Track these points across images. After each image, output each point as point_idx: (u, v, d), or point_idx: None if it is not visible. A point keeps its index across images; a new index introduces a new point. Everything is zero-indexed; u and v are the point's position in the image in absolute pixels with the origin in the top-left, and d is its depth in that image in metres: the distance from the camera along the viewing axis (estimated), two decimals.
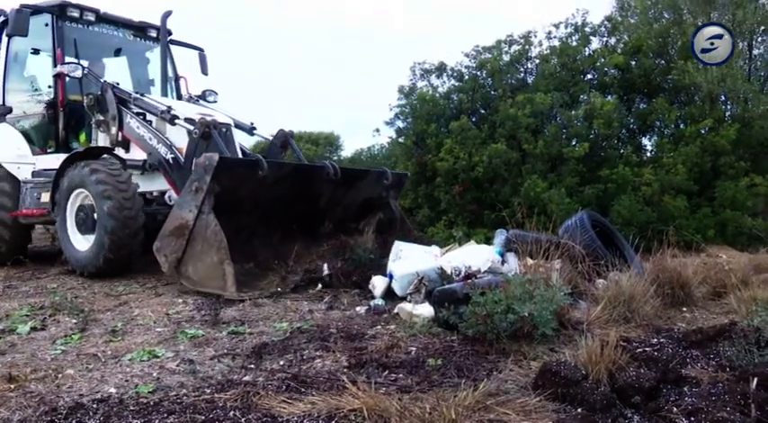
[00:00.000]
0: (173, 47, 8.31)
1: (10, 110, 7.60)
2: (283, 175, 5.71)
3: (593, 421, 2.32)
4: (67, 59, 7.13)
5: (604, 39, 15.21)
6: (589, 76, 14.76)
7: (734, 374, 2.89)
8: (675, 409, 2.57)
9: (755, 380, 2.63)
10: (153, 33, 8.07)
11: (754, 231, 10.13)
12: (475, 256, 5.12)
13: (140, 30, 8.05)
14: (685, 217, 12.13)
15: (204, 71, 8.60)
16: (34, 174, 7.32)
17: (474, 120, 14.80)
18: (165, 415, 2.59)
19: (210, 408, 2.64)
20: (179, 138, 6.33)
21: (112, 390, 2.97)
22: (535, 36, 15.19)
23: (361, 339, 3.83)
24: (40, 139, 7.48)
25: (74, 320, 4.44)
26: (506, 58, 15.14)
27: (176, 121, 6.28)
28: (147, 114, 6.66)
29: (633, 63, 14.27)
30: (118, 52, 8.12)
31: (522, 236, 5.40)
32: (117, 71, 7.98)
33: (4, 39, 7.59)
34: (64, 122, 7.21)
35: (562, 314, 3.84)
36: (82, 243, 6.30)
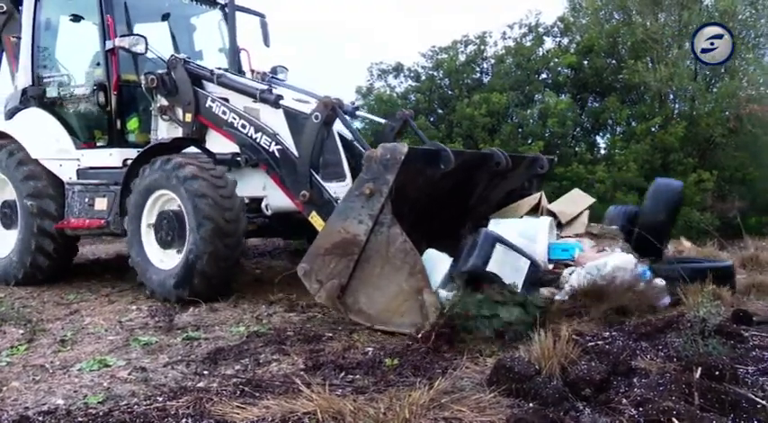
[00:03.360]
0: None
1: (43, 92, 6.25)
2: (454, 169, 4.51)
3: (544, 415, 2.35)
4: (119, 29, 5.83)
5: (557, 39, 15.53)
6: (543, 76, 15.04)
7: (680, 365, 2.98)
8: (625, 400, 2.63)
9: (699, 369, 2.72)
10: None
11: (702, 226, 10.46)
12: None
13: None
14: None
15: (266, 42, 7.06)
16: (80, 173, 6.00)
17: (432, 119, 14.92)
18: None
19: (162, 416, 2.59)
20: (275, 125, 5.18)
21: (60, 401, 2.88)
22: (490, 36, 15.42)
23: (318, 341, 3.82)
24: (84, 129, 6.13)
25: (21, 331, 4.29)
26: (462, 58, 15.30)
27: (281, 103, 5.14)
28: (232, 97, 5.45)
29: (585, 63, 14.61)
30: (166, 17, 6.74)
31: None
32: (154, 40, 6.28)
33: (29, 2, 6.24)
34: (117, 109, 5.84)
35: None
36: (164, 260, 5.11)
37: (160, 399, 2.82)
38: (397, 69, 15.88)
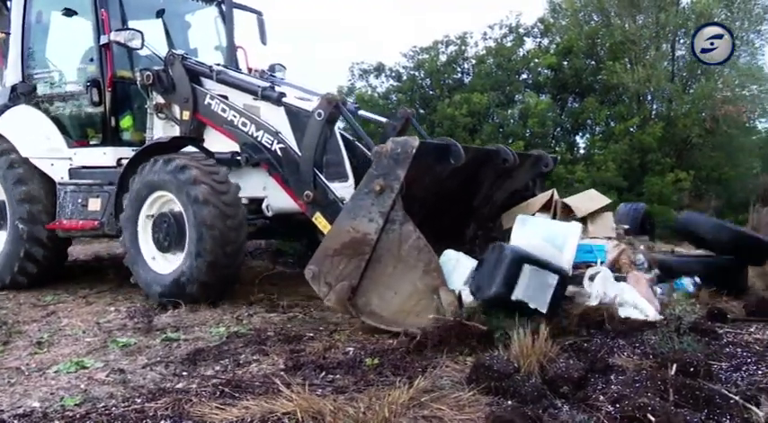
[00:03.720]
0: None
1: (33, 88, 6.09)
2: (461, 166, 4.31)
3: (523, 413, 2.37)
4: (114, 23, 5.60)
5: (537, 40, 15.65)
6: (524, 76, 15.15)
7: (656, 362, 3.04)
8: (602, 397, 2.67)
9: (674, 366, 2.77)
10: None
11: None
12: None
13: None
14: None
15: (263, 39, 6.87)
16: (72, 173, 5.83)
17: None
18: None
19: (140, 418, 2.57)
20: (276, 123, 5.01)
21: (36, 404, 2.84)
22: (471, 37, 15.49)
23: (298, 341, 3.81)
24: (76, 127, 5.95)
25: None
26: (443, 58, 15.36)
27: (284, 100, 5.00)
28: (231, 94, 5.30)
29: (565, 63, 14.74)
30: (160, 14, 6.51)
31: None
32: (148, 37, 5.91)
33: None
34: (111, 106, 5.69)
35: None
36: (162, 263, 4.93)
37: (138, 400, 2.80)
38: (379, 69, 15.90)
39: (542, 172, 5.34)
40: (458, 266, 3.93)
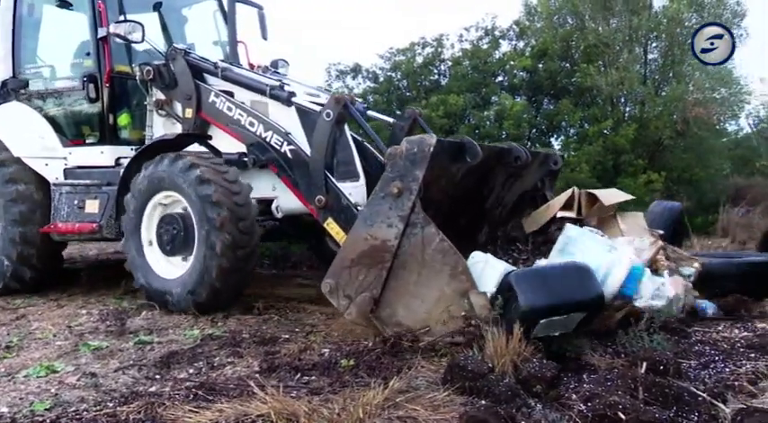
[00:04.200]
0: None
1: (26, 84, 5.82)
2: (475, 166, 4.16)
3: (496, 412, 2.40)
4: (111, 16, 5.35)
5: (513, 42, 15.77)
6: (499, 78, 15.25)
7: (627, 360, 3.09)
8: (574, 395, 2.72)
9: (644, 364, 2.82)
10: None
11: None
12: None
13: None
14: None
15: (264, 35, 6.57)
16: (68, 173, 5.59)
17: None
18: None
19: (112, 422, 2.54)
20: (286, 123, 4.83)
21: (4, 409, 2.79)
22: (447, 39, 15.54)
23: (274, 343, 3.80)
24: (71, 125, 5.72)
25: None
26: (420, 59, 15.40)
27: (293, 100, 4.83)
28: (237, 91, 5.12)
29: (540, 66, 14.86)
30: (157, 7, 6.33)
31: None
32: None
33: None
34: (109, 103, 5.46)
35: None
36: (168, 268, 4.73)
37: (110, 404, 2.77)
38: (355, 70, 15.87)
39: (552, 170, 5.17)
40: (487, 268, 3.70)
